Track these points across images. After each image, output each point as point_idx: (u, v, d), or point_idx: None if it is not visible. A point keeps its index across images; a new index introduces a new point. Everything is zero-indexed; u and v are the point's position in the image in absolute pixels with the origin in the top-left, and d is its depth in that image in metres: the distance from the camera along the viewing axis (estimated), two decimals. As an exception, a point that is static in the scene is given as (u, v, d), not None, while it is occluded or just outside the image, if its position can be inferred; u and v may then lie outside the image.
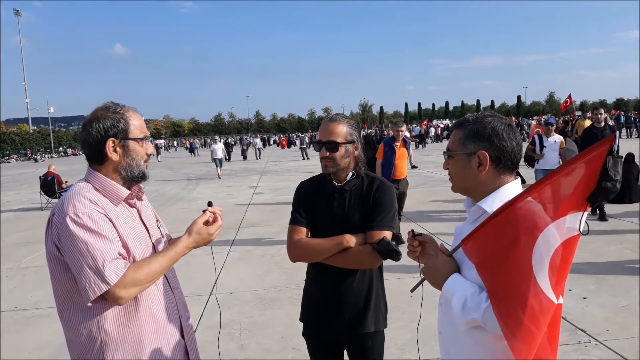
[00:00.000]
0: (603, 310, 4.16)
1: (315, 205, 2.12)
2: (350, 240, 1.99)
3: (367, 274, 2.10)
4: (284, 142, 48.43)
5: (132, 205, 1.75)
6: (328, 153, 2.03)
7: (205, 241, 1.77)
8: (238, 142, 49.91)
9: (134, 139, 1.69)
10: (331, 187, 2.11)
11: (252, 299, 5.00)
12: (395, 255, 1.90)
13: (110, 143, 1.65)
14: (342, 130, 2.04)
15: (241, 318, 4.48)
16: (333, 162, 2.04)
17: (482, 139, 1.45)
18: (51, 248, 1.57)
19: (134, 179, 1.71)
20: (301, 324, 2.26)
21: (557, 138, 7.85)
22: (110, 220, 1.59)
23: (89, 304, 1.52)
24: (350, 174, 2.10)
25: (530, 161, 8.25)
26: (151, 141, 1.85)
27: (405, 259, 1.89)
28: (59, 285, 1.61)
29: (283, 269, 5.92)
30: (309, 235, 2.12)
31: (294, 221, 2.12)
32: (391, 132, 7.39)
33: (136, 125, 1.69)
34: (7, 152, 66.22)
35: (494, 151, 1.44)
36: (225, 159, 20.53)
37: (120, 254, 1.56)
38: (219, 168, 19.36)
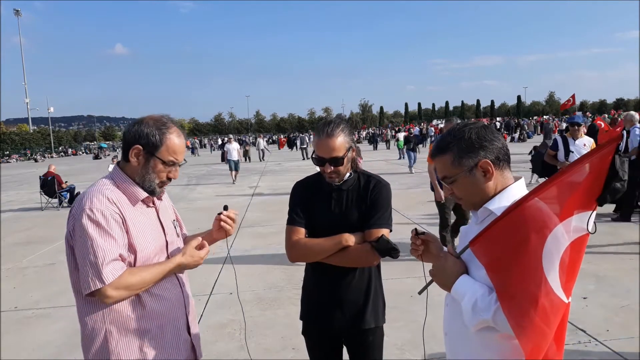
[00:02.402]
0: (603, 310, 4.16)
1: (312, 205, 2.13)
2: (349, 239, 2.01)
3: (366, 271, 2.11)
4: (283, 142, 48.05)
5: (149, 205, 1.79)
6: (333, 168, 2.03)
7: (194, 264, 1.82)
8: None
9: (159, 159, 1.72)
10: (328, 187, 2.11)
11: (252, 299, 5.00)
12: (394, 253, 1.92)
13: (135, 149, 1.70)
14: (341, 143, 2.03)
15: (241, 318, 4.48)
16: (338, 174, 2.05)
17: (474, 150, 1.43)
18: (68, 236, 1.66)
19: (143, 189, 1.75)
20: (300, 324, 2.27)
21: (586, 141, 6.38)
22: (124, 219, 1.65)
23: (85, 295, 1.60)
24: (348, 174, 2.11)
25: (549, 170, 6.96)
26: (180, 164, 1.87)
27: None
28: (72, 271, 1.68)
29: (283, 269, 5.93)
30: (307, 235, 2.13)
31: (292, 221, 2.13)
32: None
33: (169, 147, 1.72)
34: (7, 152, 66.20)
35: (491, 154, 1.44)
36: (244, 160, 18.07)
37: (120, 255, 1.61)
38: (234, 172, 16.96)
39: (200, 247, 1.83)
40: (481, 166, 1.43)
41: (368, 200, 2.07)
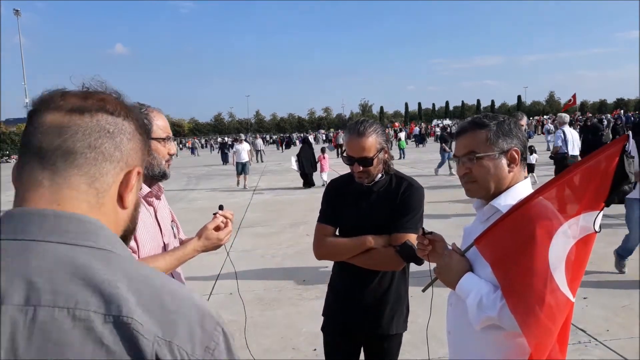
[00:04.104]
0: (603, 310, 4.16)
1: (343, 205, 2.14)
2: (373, 241, 2.00)
3: (388, 275, 2.09)
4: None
5: (149, 204, 1.78)
6: (362, 168, 2.01)
7: (215, 246, 1.79)
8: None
9: (156, 139, 1.72)
10: (359, 187, 2.10)
11: (252, 299, 4.99)
12: (418, 260, 1.86)
13: None
14: (373, 143, 1.99)
15: (241, 318, 4.48)
16: (367, 174, 2.03)
17: (511, 136, 1.46)
18: None
19: (154, 178, 1.76)
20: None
21: None
22: None
23: None
24: (379, 175, 2.09)
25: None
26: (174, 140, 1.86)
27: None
28: None
29: (283, 269, 5.92)
30: (337, 234, 2.15)
31: (321, 219, 2.16)
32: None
33: (159, 126, 1.74)
34: (7, 152, 66.26)
35: (521, 146, 1.47)
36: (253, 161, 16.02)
37: (130, 248, 1.59)
38: (243, 175, 15.32)
39: (217, 228, 1.79)
40: (512, 153, 1.45)
41: (397, 202, 2.04)
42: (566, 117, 8.97)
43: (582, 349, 3.50)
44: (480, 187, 1.49)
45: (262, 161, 28.93)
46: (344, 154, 2.05)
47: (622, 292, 4.56)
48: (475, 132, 1.47)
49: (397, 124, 52.50)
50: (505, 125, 1.47)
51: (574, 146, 8.09)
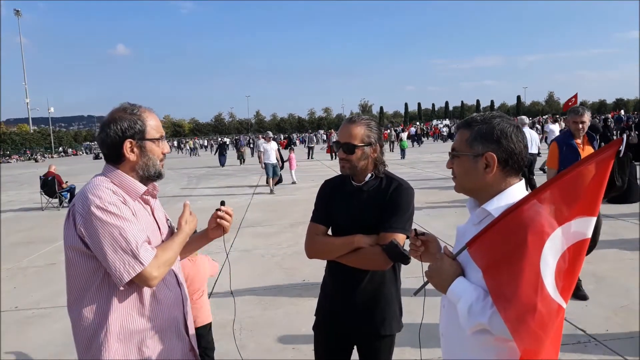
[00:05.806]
0: (603, 310, 4.17)
1: (334, 204, 2.16)
2: (361, 240, 2.01)
3: (378, 275, 2.09)
4: (283, 143, 47.97)
5: (146, 202, 1.80)
6: (345, 155, 2.05)
7: (194, 228, 1.89)
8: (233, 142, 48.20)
9: (151, 140, 1.72)
10: (350, 187, 2.14)
11: (252, 299, 5.00)
12: (404, 259, 1.87)
13: (127, 144, 1.69)
14: (360, 133, 2.05)
15: (241, 318, 4.49)
16: (350, 164, 2.07)
17: (490, 140, 1.43)
18: (73, 241, 1.60)
19: (150, 178, 1.76)
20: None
21: None
22: (132, 210, 1.66)
23: (121, 288, 1.58)
24: (369, 175, 2.11)
25: None
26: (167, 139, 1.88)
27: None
28: (78, 278, 1.63)
29: (283, 269, 5.92)
30: (329, 234, 2.16)
31: (314, 218, 2.19)
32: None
33: (152, 126, 1.73)
34: (8, 152, 66.21)
35: (502, 153, 1.43)
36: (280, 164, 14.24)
37: (148, 237, 1.64)
38: (271, 178, 13.52)
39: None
40: (486, 157, 1.43)
41: (386, 202, 2.05)
42: (525, 119, 11.25)
43: (581, 349, 3.50)
44: (459, 184, 1.54)
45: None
46: (334, 140, 2.10)
47: (622, 292, 4.56)
48: (462, 131, 1.50)
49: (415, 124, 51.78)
50: (487, 127, 1.44)
51: (532, 145, 9.65)
